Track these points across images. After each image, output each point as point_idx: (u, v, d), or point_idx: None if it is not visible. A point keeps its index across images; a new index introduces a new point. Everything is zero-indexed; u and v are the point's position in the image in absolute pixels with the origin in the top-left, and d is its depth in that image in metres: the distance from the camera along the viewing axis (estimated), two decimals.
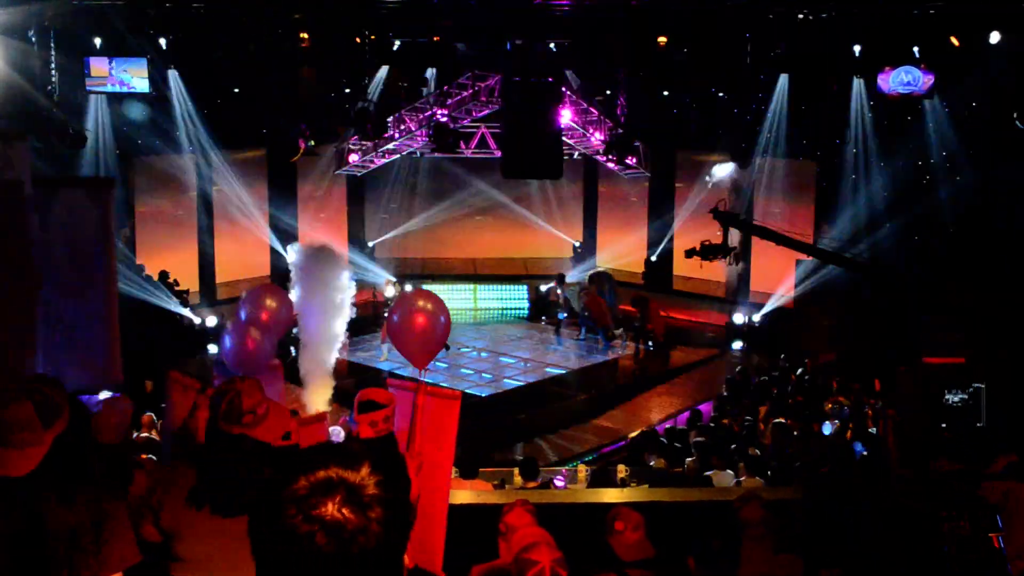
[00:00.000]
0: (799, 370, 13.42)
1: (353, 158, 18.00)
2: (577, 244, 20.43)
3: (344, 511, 1.23)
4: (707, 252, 13.56)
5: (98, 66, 14.10)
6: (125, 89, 14.27)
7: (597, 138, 16.82)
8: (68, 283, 5.31)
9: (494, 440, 11.77)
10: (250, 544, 1.28)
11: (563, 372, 14.98)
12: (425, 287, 15.84)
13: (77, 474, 2.56)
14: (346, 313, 5.94)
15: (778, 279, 16.21)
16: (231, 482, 3.13)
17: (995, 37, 13.14)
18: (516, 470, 8.18)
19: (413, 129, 17.05)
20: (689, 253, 14.11)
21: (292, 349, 15.51)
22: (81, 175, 13.36)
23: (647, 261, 19.16)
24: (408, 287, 17.17)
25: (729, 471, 8.28)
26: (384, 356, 15.44)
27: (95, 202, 5.42)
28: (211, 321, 15.69)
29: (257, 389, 3.30)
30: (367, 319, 17.84)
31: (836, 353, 13.68)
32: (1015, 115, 13.13)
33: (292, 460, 1.30)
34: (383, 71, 16.54)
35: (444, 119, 16.32)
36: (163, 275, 15.46)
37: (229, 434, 3.19)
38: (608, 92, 17.17)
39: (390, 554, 1.28)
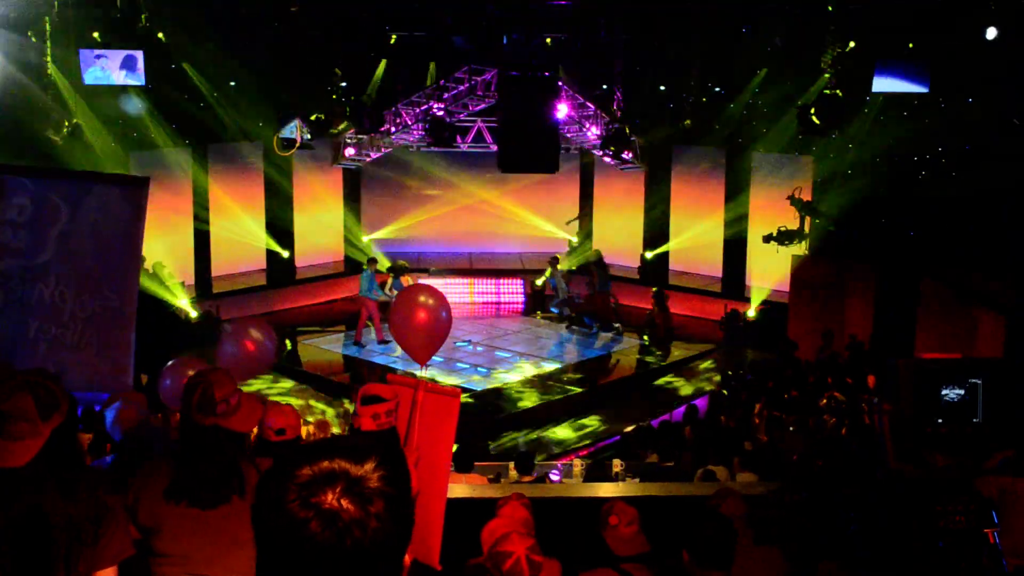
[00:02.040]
0: (794, 365, 13.43)
1: (349, 151, 17.97)
2: (573, 238, 20.42)
3: (343, 502, 1.23)
4: (783, 238, 13.59)
5: (94, 58, 14.03)
6: (121, 81, 14.21)
7: (594, 132, 16.80)
8: (89, 276, 5.21)
9: (489, 434, 11.79)
10: (252, 527, 1.28)
11: (558, 366, 14.98)
12: (422, 281, 15.86)
13: (75, 467, 2.56)
14: None
15: (774, 274, 16.20)
16: (208, 474, 3.13)
17: (991, 33, 13.11)
18: (511, 464, 8.19)
19: (410, 123, 17.02)
20: (767, 239, 14.17)
21: (288, 343, 15.74)
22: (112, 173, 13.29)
23: (643, 256, 19.17)
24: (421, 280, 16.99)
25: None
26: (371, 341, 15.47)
27: (129, 200, 5.33)
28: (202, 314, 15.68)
29: (228, 379, 3.29)
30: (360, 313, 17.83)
31: (832, 348, 13.70)
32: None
33: (301, 450, 1.31)
34: (382, 65, 16.50)
35: (441, 113, 16.30)
36: (158, 267, 15.42)
37: (202, 426, 3.18)
38: (605, 87, 17.14)
39: (388, 551, 1.26)
